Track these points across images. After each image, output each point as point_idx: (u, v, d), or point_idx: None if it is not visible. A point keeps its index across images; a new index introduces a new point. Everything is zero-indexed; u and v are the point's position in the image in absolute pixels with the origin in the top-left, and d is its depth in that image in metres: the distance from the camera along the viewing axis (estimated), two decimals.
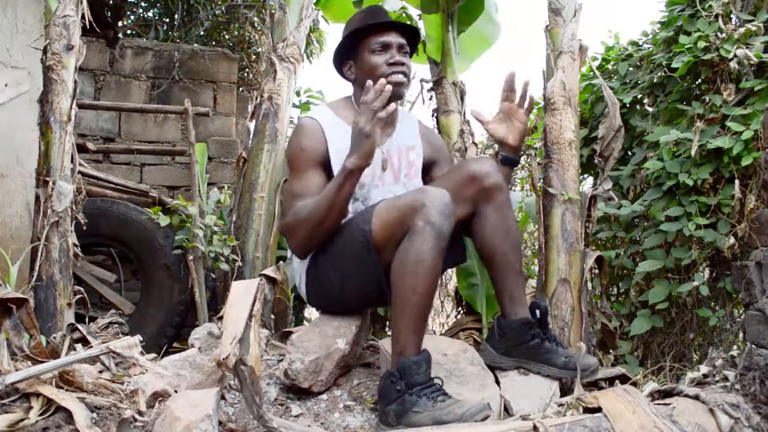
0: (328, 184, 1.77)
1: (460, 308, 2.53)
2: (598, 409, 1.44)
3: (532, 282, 2.42)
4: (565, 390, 1.82)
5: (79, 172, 2.35)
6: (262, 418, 1.43)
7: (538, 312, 1.82)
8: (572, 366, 1.73)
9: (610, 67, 3.13)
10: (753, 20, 2.38)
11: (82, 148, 3.34)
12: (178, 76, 4.32)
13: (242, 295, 1.78)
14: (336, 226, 1.79)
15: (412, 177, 2.00)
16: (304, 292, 1.97)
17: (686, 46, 2.46)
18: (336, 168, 1.85)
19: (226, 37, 5.48)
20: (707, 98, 2.40)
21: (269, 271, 2.29)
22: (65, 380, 1.49)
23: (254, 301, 1.76)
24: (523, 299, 1.87)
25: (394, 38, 1.89)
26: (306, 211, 1.77)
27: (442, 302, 3.69)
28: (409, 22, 2.96)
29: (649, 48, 2.91)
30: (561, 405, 1.68)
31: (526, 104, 1.90)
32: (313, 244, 1.83)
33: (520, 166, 4.86)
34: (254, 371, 1.45)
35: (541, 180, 2.29)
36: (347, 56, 1.97)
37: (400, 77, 1.87)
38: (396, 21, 1.94)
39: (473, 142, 2.54)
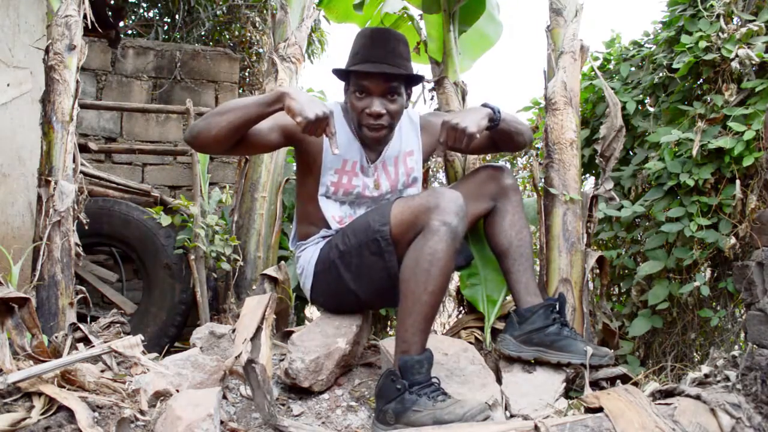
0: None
1: (461, 308, 2.53)
2: (600, 409, 1.44)
3: None
4: (568, 390, 1.82)
5: (81, 171, 2.36)
6: (274, 417, 1.44)
7: (556, 303, 1.86)
8: (591, 353, 1.75)
9: (611, 66, 3.13)
10: (754, 20, 2.38)
11: (84, 148, 3.34)
12: (179, 76, 4.32)
13: (255, 306, 1.81)
14: (234, 128, 1.70)
15: (410, 185, 2.04)
16: (309, 290, 1.96)
17: (687, 46, 2.46)
18: (324, 176, 1.91)
19: (228, 37, 5.49)
20: (708, 98, 2.40)
21: (271, 271, 2.29)
22: (67, 379, 1.50)
23: (266, 309, 1.79)
24: (537, 291, 1.92)
25: (377, 85, 1.81)
26: (223, 107, 1.73)
27: (443, 303, 3.69)
28: (410, 23, 2.95)
29: (650, 48, 2.91)
30: (562, 400, 1.68)
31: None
32: (206, 133, 1.72)
33: (522, 166, 4.87)
34: (266, 370, 1.47)
35: (543, 180, 2.29)
36: (345, 78, 1.93)
37: (376, 132, 1.85)
38: (382, 71, 1.80)
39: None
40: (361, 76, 1.83)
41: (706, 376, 1.63)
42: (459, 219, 1.60)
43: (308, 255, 1.95)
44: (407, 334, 1.58)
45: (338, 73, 1.93)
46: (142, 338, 1.67)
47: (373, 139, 1.88)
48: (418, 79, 1.93)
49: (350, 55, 1.91)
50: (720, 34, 2.39)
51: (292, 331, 2.00)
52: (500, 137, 1.99)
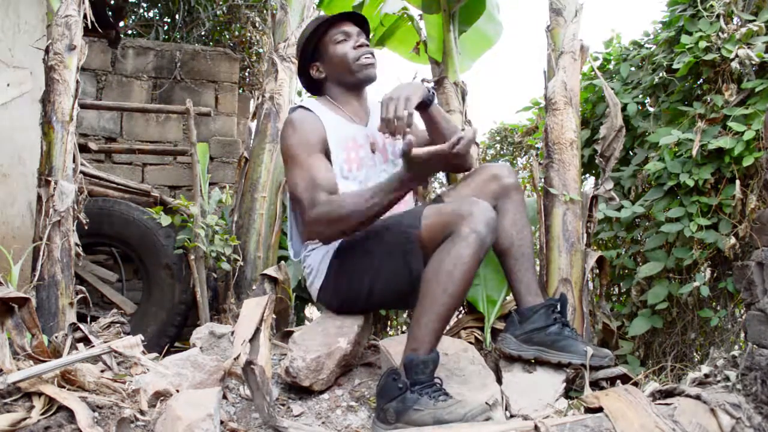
0: (379, 185, 1.73)
1: (461, 308, 2.54)
2: (600, 409, 1.44)
3: None
4: (568, 390, 1.82)
5: (81, 171, 2.36)
6: (273, 417, 1.44)
7: (557, 303, 1.86)
8: (592, 354, 1.75)
9: (611, 67, 3.13)
10: (754, 20, 2.38)
11: (84, 148, 3.34)
12: (179, 76, 4.33)
13: (253, 308, 1.81)
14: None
15: (399, 156, 1.98)
16: (317, 289, 1.95)
17: (687, 47, 2.46)
18: (336, 156, 1.91)
19: (228, 37, 5.48)
20: (708, 98, 2.40)
21: (271, 271, 2.29)
22: (67, 379, 1.50)
23: (264, 310, 1.78)
24: (538, 291, 1.92)
25: (350, 27, 2.01)
26: (348, 208, 1.71)
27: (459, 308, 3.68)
28: (410, 23, 2.96)
29: (650, 48, 2.91)
30: (562, 400, 1.68)
31: None
32: (341, 237, 1.83)
33: (522, 166, 4.87)
34: (265, 371, 1.46)
35: (543, 180, 2.29)
36: (311, 60, 2.05)
37: (370, 58, 1.99)
38: (345, 12, 2.06)
39: (474, 142, 2.53)
40: (338, 23, 2.00)
41: (706, 376, 1.63)
42: (489, 230, 1.61)
43: (320, 255, 1.93)
44: (420, 332, 1.58)
45: (307, 51, 2.03)
46: (142, 338, 1.67)
47: (369, 73, 1.98)
48: (368, 32, 2.12)
49: (308, 31, 2.02)
50: (720, 34, 2.39)
51: (292, 331, 2.00)
52: (434, 129, 1.99)
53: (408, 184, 1.69)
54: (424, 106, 1.92)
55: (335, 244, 1.91)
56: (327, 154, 1.91)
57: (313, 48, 2.04)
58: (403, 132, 1.76)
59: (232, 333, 1.89)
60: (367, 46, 2.01)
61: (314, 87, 2.14)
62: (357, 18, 2.06)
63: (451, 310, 1.60)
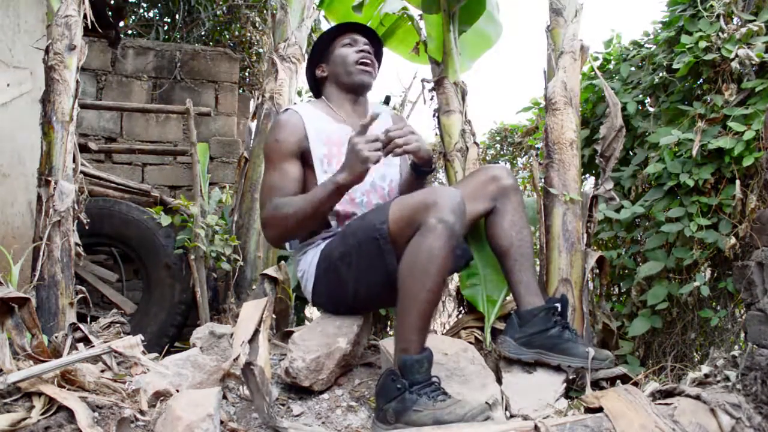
0: (315, 189, 1.81)
1: (461, 308, 2.53)
2: (600, 409, 1.44)
3: None
4: (568, 390, 1.82)
5: (81, 171, 2.36)
6: (273, 418, 1.44)
7: (558, 305, 1.85)
8: (592, 356, 1.75)
9: (611, 67, 3.13)
10: (755, 20, 2.38)
11: (84, 148, 3.35)
12: (179, 76, 4.33)
13: (252, 309, 1.81)
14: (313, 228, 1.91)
15: (392, 157, 2.01)
16: (310, 292, 1.96)
17: (688, 46, 2.46)
18: (316, 151, 1.94)
19: (228, 37, 5.49)
20: (708, 98, 2.40)
21: (271, 271, 2.29)
22: (67, 379, 1.50)
23: (263, 312, 1.78)
24: (538, 291, 1.91)
25: (360, 37, 2.10)
26: (287, 209, 1.82)
27: (443, 302, 3.68)
28: (410, 23, 2.96)
29: (650, 48, 2.91)
30: (562, 400, 1.68)
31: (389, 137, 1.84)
32: (288, 239, 1.97)
33: (522, 166, 4.87)
34: (264, 371, 1.46)
35: (543, 180, 2.29)
36: (319, 60, 2.14)
37: (368, 64, 2.06)
38: (361, 24, 2.17)
39: (474, 142, 2.54)
40: (349, 30, 2.11)
41: (706, 376, 1.63)
42: (456, 217, 1.58)
43: (309, 258, 1.94)
44: (406, 333, 1.57)
45: (318, 50, 2.12)
46: (142, 338, 1.67)
47: (363, 77, 2.04)
48: (381, 53, 2.20)
49: (323, 34, 2.13)
50: (720, 34, 2.39)
51: (292, 331, 2.00)
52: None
53: (341, 182, 1.73)
54: (424, 171, 1.96)
55: (321, 245, 1.92)
56: (306, 154, 1.94)
57: (323, 49, 2.13)
58: (390, 153, 1.78)
59: (232, 335, 1.89)
60: (369, 52, 2.06)
61: (317, 89, 2.20)
62: (371, 34, 2.14)
63: (433, 305, 1.59)
